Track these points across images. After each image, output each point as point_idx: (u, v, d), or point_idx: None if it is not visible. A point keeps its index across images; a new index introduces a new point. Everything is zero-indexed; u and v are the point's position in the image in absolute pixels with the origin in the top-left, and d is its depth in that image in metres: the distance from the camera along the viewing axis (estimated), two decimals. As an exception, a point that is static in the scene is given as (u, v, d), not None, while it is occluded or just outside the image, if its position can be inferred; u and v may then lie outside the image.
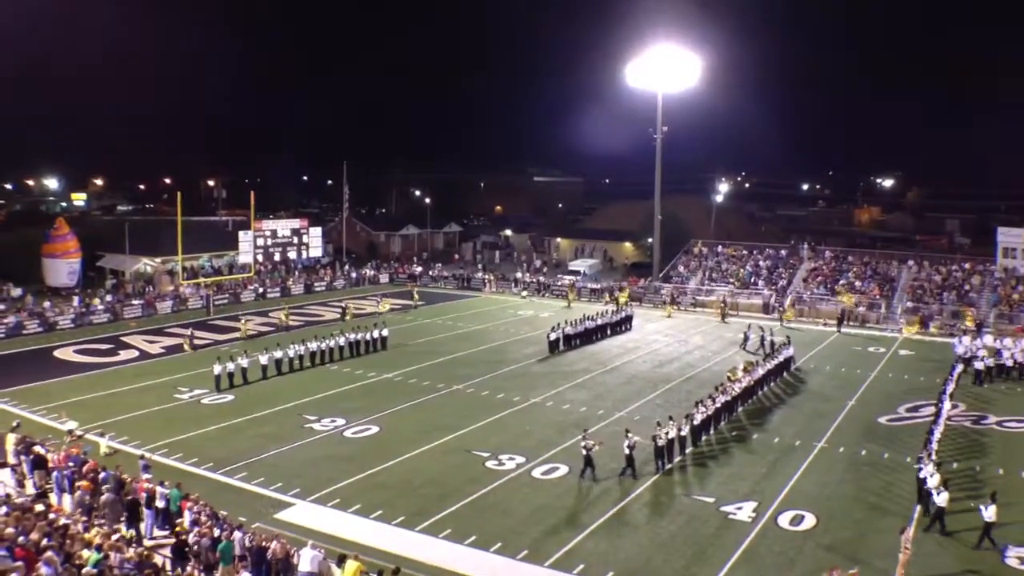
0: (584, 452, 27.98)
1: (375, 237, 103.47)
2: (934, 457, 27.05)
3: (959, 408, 36.98)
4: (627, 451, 28.13)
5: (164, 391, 38.67)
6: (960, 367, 42.73)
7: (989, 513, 23.06)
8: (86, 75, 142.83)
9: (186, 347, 48.01)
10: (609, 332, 54.34)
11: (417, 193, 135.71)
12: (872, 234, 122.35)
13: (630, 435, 28.50)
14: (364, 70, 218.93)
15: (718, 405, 33.65)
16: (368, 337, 47.95)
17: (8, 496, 22.81)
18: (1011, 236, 67.05)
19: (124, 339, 50.61)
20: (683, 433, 30.76)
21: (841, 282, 66.31)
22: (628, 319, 57.62)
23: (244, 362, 40.48)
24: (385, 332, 49.21)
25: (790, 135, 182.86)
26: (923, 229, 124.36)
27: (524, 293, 72.14)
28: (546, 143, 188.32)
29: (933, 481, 24.76)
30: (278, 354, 42.53)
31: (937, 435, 29.91)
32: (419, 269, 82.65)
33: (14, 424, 29.61)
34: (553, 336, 49.14)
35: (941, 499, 24.01)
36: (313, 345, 44.54)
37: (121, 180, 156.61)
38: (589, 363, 46.12)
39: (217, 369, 39.14)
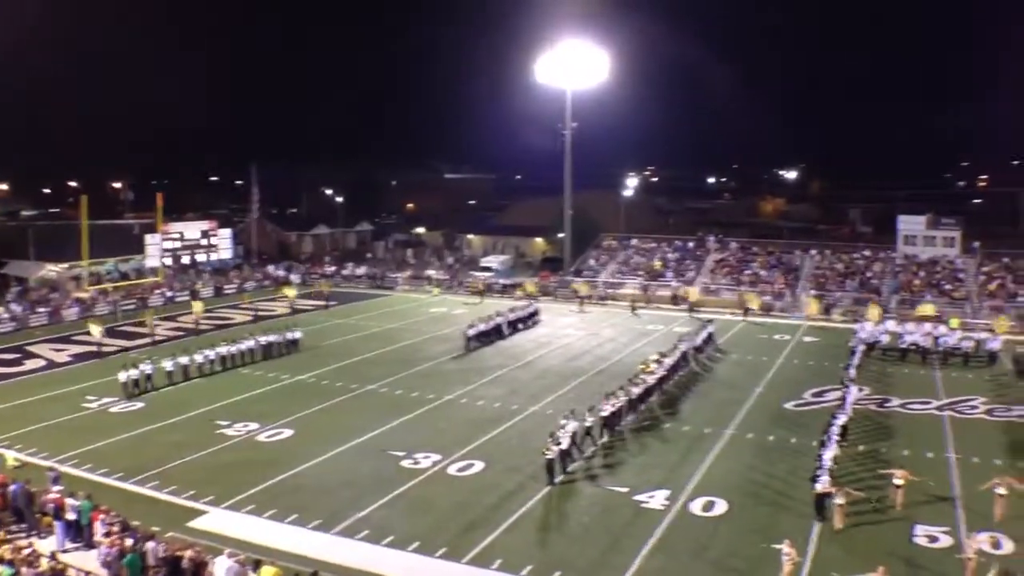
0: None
1: (286, 237, 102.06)
2: (835, 439, 28.13)
3: (864, 392, 38.22)
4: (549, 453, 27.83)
5: (72, 400, 37.51)
6: (861, 351, 44.19)
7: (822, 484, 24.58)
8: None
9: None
10: (520, 327, 54.69)
11: (328, 192, 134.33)
12: (777, 224, 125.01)
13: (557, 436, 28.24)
14: (271, 69, 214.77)
15: (631, 396, 34.25)
16: (280, 339, 47.38)
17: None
18: (911, 224, 69.77)
19: (29, 348, 48.97)
20: (588, 424, 30.90)
21: (746, 272, 67.99)
22: (534, 313, 58.01)
23: (148, 368, 39.49)
24: (297, 334, 48.61)
25: (696, 129, 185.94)
26: (827, 219, 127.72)
27: (436, 290, 72.12)
28: (457, 140, 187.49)
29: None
30: (184, 359, 41.57)
31: (843, 420, 30.87)
32: (331, 268, 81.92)
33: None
34: (471, 332, 49.28)
35: (820, 484, 24.73)
36: (223, 349, 43.74)
37: (25, 184, 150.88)
38: (503, 359, 46.37)
39: (123, 376, 38.12)
